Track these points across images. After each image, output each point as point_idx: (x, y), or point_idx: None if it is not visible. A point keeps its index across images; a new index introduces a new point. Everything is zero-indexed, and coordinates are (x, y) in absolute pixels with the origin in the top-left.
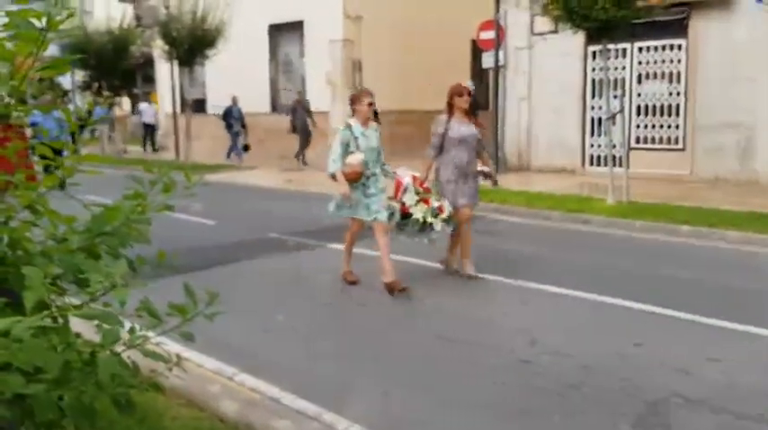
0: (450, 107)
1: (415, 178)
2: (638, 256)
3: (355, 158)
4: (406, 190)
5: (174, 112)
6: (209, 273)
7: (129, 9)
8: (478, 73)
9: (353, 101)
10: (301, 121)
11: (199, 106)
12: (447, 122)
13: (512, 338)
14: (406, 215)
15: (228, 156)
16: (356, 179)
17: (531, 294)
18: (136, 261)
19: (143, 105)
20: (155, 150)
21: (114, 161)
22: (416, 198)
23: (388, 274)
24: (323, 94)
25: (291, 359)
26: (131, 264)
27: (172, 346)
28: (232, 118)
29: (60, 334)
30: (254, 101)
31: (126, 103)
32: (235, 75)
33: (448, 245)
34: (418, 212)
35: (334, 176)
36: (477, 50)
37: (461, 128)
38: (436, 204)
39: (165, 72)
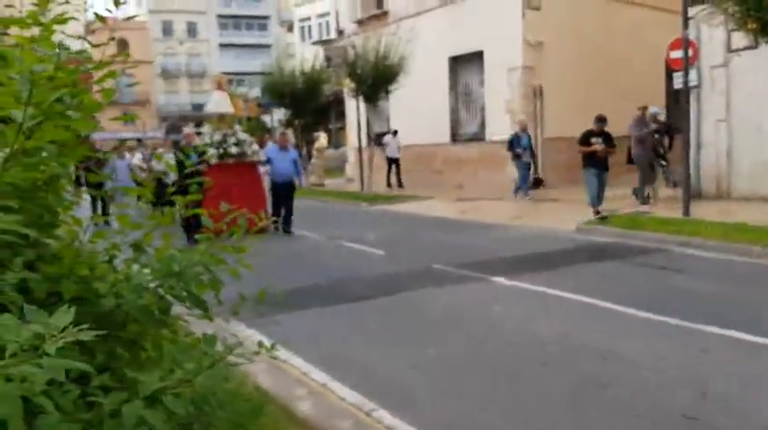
0: None
1: None
2: None
3: None
4: None
5: (360, 146)
6: (370, 303)
7: (321, 51)
8: (674, 95)
9: None
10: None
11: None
12: None
13: (677, 388)
14: None
15: (517, 192)
16: None
17: (715, 342)
18: (238, 297)
19: (387, 137)
20: (401, 186)
21: (308, 193)
22: None
23: None
24: (502, 123)
25: (435, 398)
26: (204, 307)
27: (318, 375)
28: (519, 146)
29: None
30: (434, 132)
31: (323, 137)
32: (416, 107)
33: None
34: None
35: None
36: (671, 72)
37: None
38: None
39: (353, 108)
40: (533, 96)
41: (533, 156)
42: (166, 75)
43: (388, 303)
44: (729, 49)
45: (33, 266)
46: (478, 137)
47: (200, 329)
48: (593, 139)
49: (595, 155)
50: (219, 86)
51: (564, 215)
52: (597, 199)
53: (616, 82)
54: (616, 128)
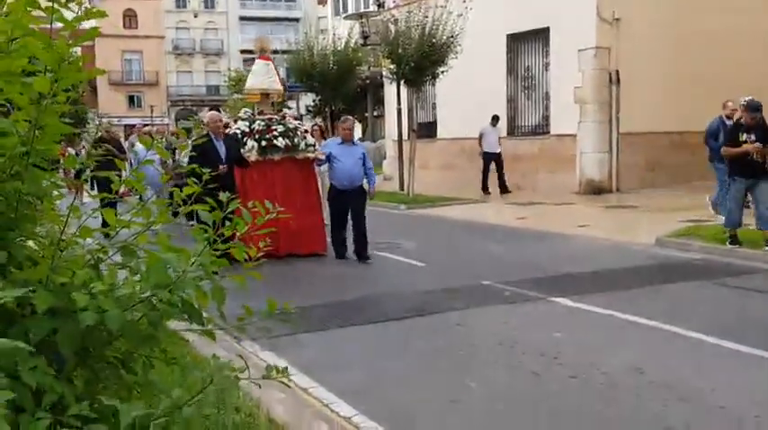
0: None
1: None
2: None
3: None
4: None
5: (400, 138)
6: (406, 324)
7: (357, 26)
8: None
9: None
10: None
11: (428, 130)
12: None
13: None
14: None
15: (717, 205)
16: None
17: None
18: (244, 312)
19: (485, 127)
20: (506, 190)
21: None
22: None
23: None
24: (570, 114)
25: None
26: (199, 318)
27: (342, 408)
28: (718, 138)
29: None
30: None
31: (357, 129)
32: (467, 94)
33: None
34: None
35: None
36: None
37: None
38: None
39: (393, 93)
40: (608, 83)
41: None
42: (179, 52)
43: (427, 325)
44: None
45: (3, 271)
46: (541, 130)
47: (208, 351)
48: (744, 136)
49: (748, 157)
50: (263, 53)
51: (642, 225)
52: (739, 219)
53: (712, 67)
54: (705, 122)
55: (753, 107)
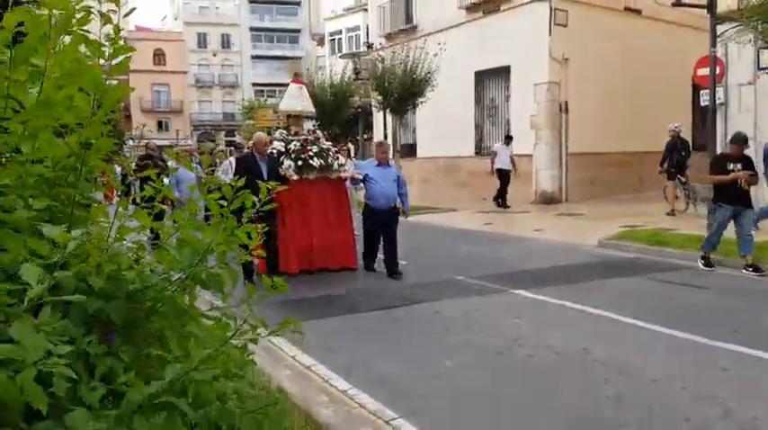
0: None
1: None
2: None
3: None
4: None
5: None
6: (393, 312)
7: (350, 63)
8: (700, 113)
9: None
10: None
11: (409, 150)
12: None
13: (697, 407)
14: None
15: (757, 221)
16: None
17: (737, 360)
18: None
19: (497, 146)
20: (505, 206)
21: None
22: None
23: None
24: (527, 137)
25: (451, 408)
26: (221, 287)
27: (339, 382)
28: None
29: None
30: (459, 144)
31: (351, 149)
32: (442, 120)
33: None
34: None
35: None
36: (698, 89)
37: None
38: None
39: (381, 120)
40: (558, 111)
41: None
42: (200, 84)
43: (410, 313)
44: (759, 67)
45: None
46: None
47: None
48: (731, 166)
49: (736, 186)
50: (296, 77)
51: (587, 230)
52: (713, 244)
53: (641, 99)
54: (634, 144)
55: (739, 139)
